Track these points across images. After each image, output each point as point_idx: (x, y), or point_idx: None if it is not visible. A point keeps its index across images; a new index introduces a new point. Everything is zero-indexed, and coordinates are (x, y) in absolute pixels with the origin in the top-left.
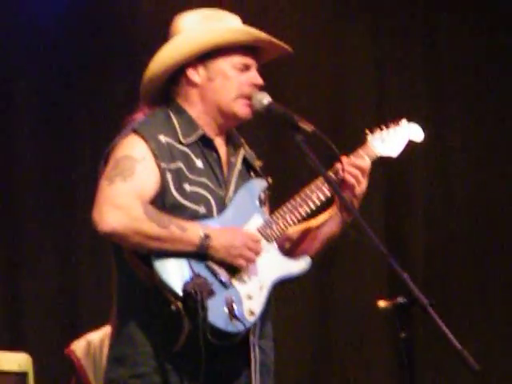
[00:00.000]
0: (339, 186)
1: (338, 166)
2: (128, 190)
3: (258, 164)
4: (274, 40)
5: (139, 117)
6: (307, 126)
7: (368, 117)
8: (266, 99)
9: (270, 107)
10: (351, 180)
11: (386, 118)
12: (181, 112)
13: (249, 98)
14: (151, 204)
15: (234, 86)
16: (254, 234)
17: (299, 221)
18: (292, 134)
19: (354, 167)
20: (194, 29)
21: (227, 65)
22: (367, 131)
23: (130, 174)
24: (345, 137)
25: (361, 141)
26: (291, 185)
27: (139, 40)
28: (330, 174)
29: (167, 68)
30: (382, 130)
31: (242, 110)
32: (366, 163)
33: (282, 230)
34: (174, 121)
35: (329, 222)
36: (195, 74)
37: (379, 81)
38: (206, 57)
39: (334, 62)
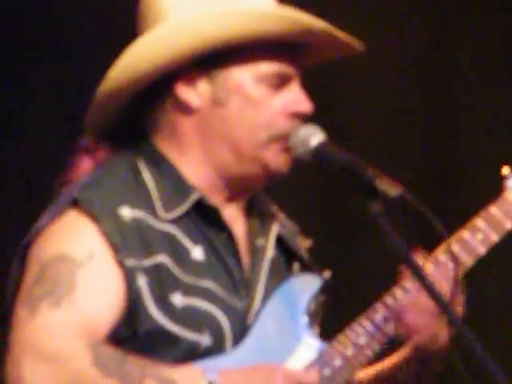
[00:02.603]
0: (452, 289)
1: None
2: (64, 322)
3: (304, 246)
4: (337, 32)
5: (83, 172)
6: (391, 188)
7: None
8: (315, 137)
9: (323, 152)
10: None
11: None
12: (160, 162)
13: (287, 137)
14: (110, 340)
15: (264, 117)
16: (301, 374)
17: (386, 349)
18: (364, 201)
19: None
20: (187, 11)
21: (249, 76)
22: (505, 170)
23: (66, 291)
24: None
25: (494, 186)
26: (364, 283)
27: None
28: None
29: (140, 77)
30: None
31: (276, 161)
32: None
33: (355, 367)
34: (148, 180)
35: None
36: (191, 92)
37: None
38: (210, 62)
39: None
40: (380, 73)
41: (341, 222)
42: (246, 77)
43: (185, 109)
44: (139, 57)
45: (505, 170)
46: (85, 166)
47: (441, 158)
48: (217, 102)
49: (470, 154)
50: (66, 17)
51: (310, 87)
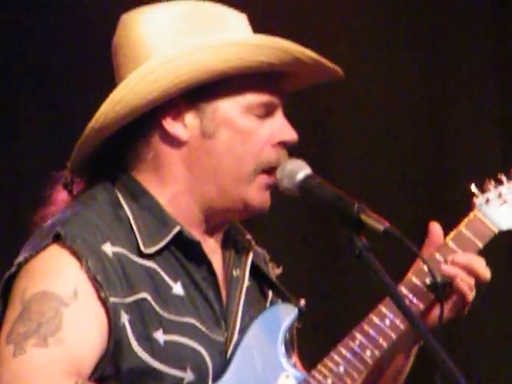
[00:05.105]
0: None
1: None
2: (52, 362)
3: (275, 273)
4: (324, 61)
5: (60, 205)
6: (377, 222)
7: (484, 163)
8: (301, 171)
9: (309, 186)
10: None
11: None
12: (140, 195)
13: (272, 169)
14: (93, 378)
15: (252, 147)
16: None
17: (365, 373)
18: (348, 236)
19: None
20: (173, 46)
21: (237, 108)
22: (474, 188)
23: (53, 330)
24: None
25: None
26: (342, 310)
27: None
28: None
29: (132, 112)
30: (498, 184)
31: (258, 198)
32: (472, 260)
33: None
34: (129, 214)
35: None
36: (179, 125)
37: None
38: (197, 94)
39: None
40: (371, 101)
41: (326, 251)
42: (233, 108)
43: (172, 142)
44: (132, 91)
45: (473, 189)
46: (61, 199)
47: (432, 187)
48: (205, 135)
49: (461, 175)
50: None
51: (301, 118)
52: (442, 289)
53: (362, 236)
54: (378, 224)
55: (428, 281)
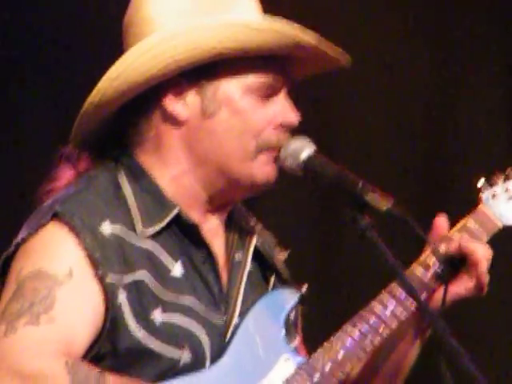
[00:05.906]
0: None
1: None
2: (43, 340)
3: (281, 258)
4: (329, 46)
5: (65, 182)
6: (380, 201)
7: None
8: (305, 150)
9: (313, 165)
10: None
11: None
12: (140, 176)
13: (275, 148)
14: (90, 357)
15: (252, 127)
16: None
17: (364, 360)
18: (352, 215)
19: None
20: (175, 23)
21: (238, 88)
22: (481, 183)
23: (45, 308)
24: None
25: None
26: (346, 293)
27: None
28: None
29: (130, 89)
30: (506, 179)
31: (263, 172)
32: (480, 252)
33: (334, 382)
34: (128, 195)
35: (400, 345)
36: (179, 104)
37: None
38: (199, 73)
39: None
40: (377, 86)
41: (332, 235)
42: (234, 88)
43: (172, 121)
44: (130, 67)
45: (480, 183)
46: (66, 175)
47: (440, 181)
48: (205, 114)
49: (469, 167)
50: (64, 25)
51: (309, 102)
52: (448, 270)
53: (365, 215)
54: (383, 203)
55: (432, 265)
